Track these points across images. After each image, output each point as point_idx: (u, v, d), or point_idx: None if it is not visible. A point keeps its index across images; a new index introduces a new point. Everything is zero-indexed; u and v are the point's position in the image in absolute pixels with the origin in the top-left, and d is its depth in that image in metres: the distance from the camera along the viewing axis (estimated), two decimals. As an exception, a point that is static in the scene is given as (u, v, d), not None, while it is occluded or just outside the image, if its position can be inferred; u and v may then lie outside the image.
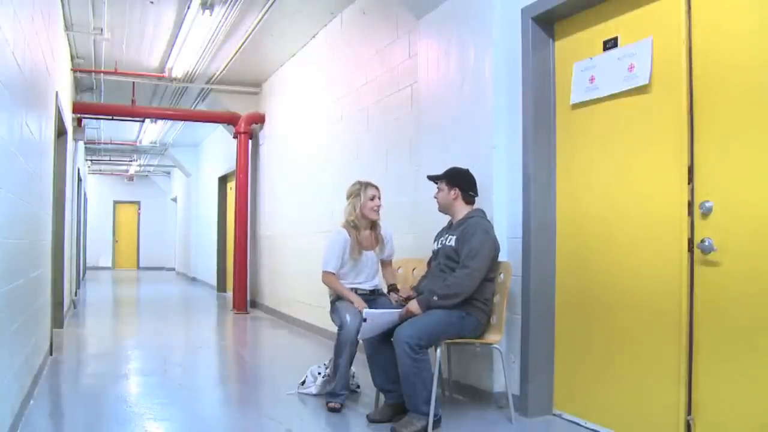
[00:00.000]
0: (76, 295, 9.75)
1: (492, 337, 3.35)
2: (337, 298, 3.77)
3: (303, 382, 3.99)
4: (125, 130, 12.05)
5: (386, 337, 3.31)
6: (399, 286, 3.87)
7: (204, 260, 13.16)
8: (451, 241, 3.33)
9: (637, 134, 2.97)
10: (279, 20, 6.21)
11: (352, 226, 3.78)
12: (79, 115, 8.52)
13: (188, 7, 5.74)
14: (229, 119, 8.96)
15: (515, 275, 3.44)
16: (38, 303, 4.21)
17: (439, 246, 3.46)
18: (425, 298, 3.22)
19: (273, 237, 8.23)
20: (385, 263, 3.96)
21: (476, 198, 3.48)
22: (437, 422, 3.15)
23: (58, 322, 6.11)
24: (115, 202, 20.03)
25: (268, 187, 8.55)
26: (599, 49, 3.17)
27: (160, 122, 11.00)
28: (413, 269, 4.05)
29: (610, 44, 3.11)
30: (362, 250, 3.77)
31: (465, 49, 3.87)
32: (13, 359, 3.13)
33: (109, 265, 19.71)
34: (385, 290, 3.91)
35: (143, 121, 10.45)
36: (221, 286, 11.58)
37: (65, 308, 7.02)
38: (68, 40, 6.68)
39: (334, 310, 3.73)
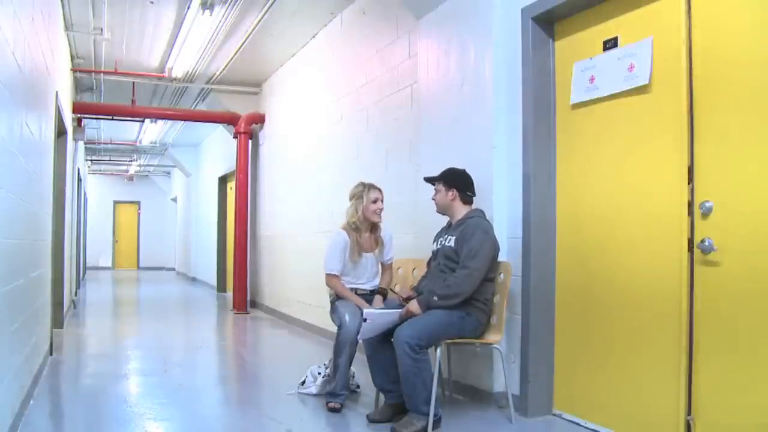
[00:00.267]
0: (76, 295, 9.75)
1: (492, 337, 3.35)
2: (337, 298, 3.77)
3: (303, 382, 3.99)
4: (125, 130, 12.05)
5: (386, 337, 3.31)
6: (397, 288, 3.86)
7: (204, 260, 13.15)
8: (451, 241, 3.33)
9: (637, 134, 2.97)
10: (279, 20, 6.21)
11: (353, 228, 3.77)
12: (79, 115, 8.52)
13: (188, 7, 5.74)
14: (229, 119, 8.95)
15: (515, 275, 3.43)
16: (38, 303, 4.21)
17: (439, 246, 3.46)
18: (425, 298, 3.22)
19: (273, 237, 8.23)
20: (384, 266, 3.94)
21: (475, 198, 3.48)
22: (437, 422, 3.15)
23: (58, 322, 6.11)
24: (115, 202, 20.02)
25: (268, 187, 8.54)
26: (599, 49, 3.17)
27: (160, 122, 10.99)
28: (413, 269, 4.04)
29: (610, 44, 3.11)
30: (362, 252, 3.76)
31: (465, 49, 3.87)
32: (13, 359, 3.13)
33: (109, 265, 19.70)
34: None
35: (143, 121, 10.45)
36: (221, 286, 11.58)
37: (65, 308, 7.02)
38: (68, 40, 6.68)
39: (334, 310, 3.73)
